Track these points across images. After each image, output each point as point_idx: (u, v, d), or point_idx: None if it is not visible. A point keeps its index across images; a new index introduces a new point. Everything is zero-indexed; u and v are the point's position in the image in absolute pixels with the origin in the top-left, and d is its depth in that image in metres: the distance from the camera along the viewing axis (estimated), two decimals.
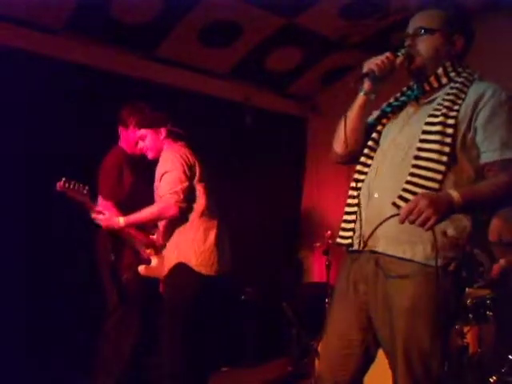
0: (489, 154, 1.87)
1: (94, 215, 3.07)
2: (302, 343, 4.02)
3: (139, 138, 3.24)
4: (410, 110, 2.04)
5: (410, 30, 2.04)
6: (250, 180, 4.82)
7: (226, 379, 4.06)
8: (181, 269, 2.98)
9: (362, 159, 2.06)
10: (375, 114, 2.17)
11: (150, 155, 3.20)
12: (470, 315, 3.11)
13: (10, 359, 3.33)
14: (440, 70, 1.99)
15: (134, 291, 3.33)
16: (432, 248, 1.81)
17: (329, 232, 4.17)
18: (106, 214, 3.06)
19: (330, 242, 4.15)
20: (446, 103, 1.91)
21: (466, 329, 3.09)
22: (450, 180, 1.86)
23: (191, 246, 3.00)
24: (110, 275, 3.32)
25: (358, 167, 2.06)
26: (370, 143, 2.07)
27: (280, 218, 5.14)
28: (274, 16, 4.08)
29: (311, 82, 5.17)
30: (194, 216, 3.05)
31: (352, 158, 2.12)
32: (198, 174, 3.08)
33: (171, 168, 3.00)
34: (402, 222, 1.72)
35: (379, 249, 1.91)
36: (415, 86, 2.07)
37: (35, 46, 3.74)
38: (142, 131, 3.21)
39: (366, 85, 2.07)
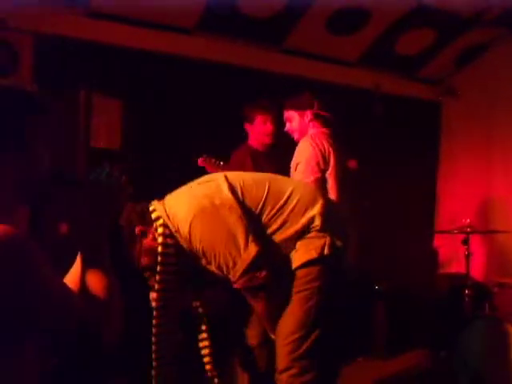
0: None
1: None
2: (437, 335, 3.90)
3: (286, 120, 3.32)
4: None
5: None
6: (382, 169, 4.72)
7: (361, 369, 4.03)
8: None
9: None
10: None
11: (296, 137, 3.27)
12: None
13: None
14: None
15: None
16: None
17: (468, 220, 3.99)
18: None
19: (468, 230, 3.98)
20: None
21: None
22: None
23: None
24: None
25: None
26: None
27: (414, 206, 5.00)
28: None
29: (445, 64, 4.95)
30: None
31: None
32: (331, 166, 3.06)
33: (305, 158, 3.03)
34: None
35: None
36: None
37: (170, 48, 3.95)
38: (290, 113, 3.28)
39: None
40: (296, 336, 2.24)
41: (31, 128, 1.22)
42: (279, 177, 2.53)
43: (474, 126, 4.99)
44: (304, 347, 2.23)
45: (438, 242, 5.15)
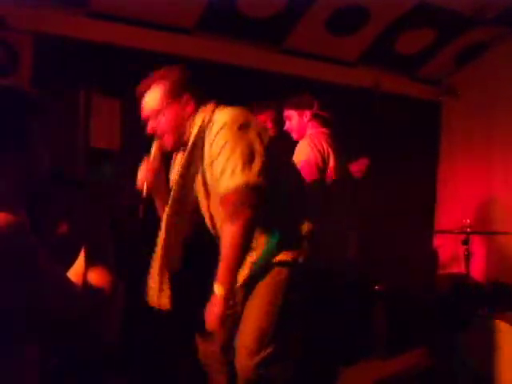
0: (221, 189, 2.07)
1: None
2: (437, 335, 3.89)
3: (286, 118, 3.31)
4: None
5: (143, 114, 2.27)
6: (381, 169, 4.72)
7: (361, 370, 4.02)
8: None
9: None
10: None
11: (295, 136, 3.26)
12: None
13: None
14: (186, 136, 2.21)
15: None
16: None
17: (468, 220, 3.98)
18: None
19: (468, 230, 3.98)
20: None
21: None
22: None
23: None
24: None
25: None
26: None
27: (414, 206, 4.99)
28: None
29: (445, 63, 4.94)
30: None
31: None
32: (330, 166, 3.06)
33: (303, 159, 3.02)
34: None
35: None
36: None
37: (170, 47, 3.94)
38: (289, 111, 3.28)
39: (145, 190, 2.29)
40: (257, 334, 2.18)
41: (31, 128, 1.22)
42: None
43: (474, 125, 4.98)
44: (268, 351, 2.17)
45: (438, 241, 5.16)
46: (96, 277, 1.23)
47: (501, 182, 4.70)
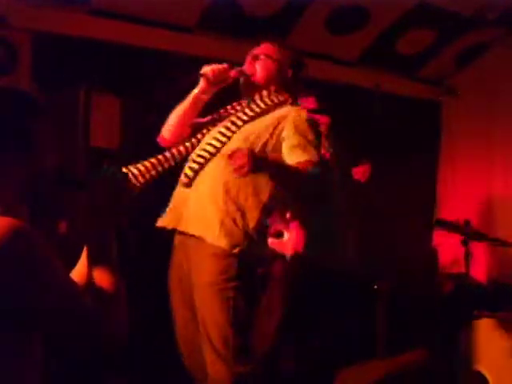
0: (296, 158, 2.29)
1: None
2: (437, 335, 3.90)
3: None
4: None
5: (255, 51, 2.52)
6: (381, 169, 4.72)
7: (361, 370, 4.02)
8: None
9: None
10: None
11: None
12: None
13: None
14: (264, 92, 2.44)
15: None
16: (219, 231, 2.15)
17: (467, 220, 3.98)
18: None
19: (467, 231, 3.97)
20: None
21: None
22: None
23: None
24: None
25: None
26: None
27: (414, 206, 4.99)
28: None
29: (445, 64, 4.95)
30: None
31: (173, 145, 2.48)
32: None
33: None
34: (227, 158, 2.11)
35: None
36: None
37: (171, 46, 3.93)
38: None
39: (201, 84, 2.44)
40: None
41: (31, 128, 1.22)
42: None
43: (475, 125, 4.98)
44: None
45: (438, 240, 5.15)
46: (99, 277, 1.22)
47: (501, 182, 4.70)
